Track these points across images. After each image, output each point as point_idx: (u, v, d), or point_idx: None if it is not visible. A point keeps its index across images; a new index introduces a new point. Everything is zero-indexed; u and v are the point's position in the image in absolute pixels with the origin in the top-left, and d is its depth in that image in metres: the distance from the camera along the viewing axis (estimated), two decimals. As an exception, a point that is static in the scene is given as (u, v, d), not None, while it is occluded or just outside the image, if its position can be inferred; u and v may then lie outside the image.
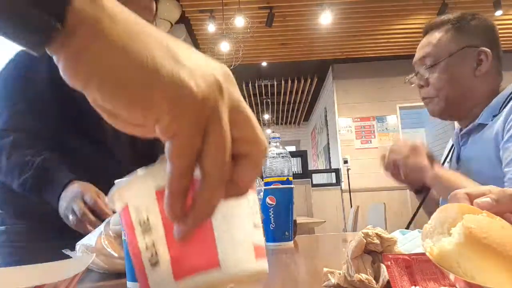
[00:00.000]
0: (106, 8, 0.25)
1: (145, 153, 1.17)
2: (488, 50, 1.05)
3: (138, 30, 0.26)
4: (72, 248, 0.74)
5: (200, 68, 0.28)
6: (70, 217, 0.89)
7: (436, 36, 1.12)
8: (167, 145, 0.27)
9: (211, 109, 0.27)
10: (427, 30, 1.16)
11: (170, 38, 0.28)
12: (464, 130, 1.11)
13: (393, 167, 1.04)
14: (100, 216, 0.88)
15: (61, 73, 0.25)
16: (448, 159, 1.22)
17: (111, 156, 1.13)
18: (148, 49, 0.25)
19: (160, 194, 0.30)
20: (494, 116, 1.01)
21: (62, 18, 0.23)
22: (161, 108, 0.25)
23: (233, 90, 0.29)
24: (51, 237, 0.97)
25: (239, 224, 0.32)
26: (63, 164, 1.00)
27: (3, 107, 1.06)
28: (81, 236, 0.77)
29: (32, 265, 0.44)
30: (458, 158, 1.13)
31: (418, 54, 1.16)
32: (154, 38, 0.26)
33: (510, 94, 1.02)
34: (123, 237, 0.59)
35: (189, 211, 0.28)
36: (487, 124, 1.03)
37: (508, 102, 1.00)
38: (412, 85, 1.19)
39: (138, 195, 0.32)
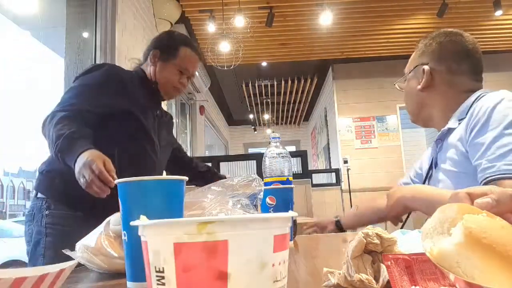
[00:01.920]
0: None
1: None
2: (426, 67, 1.19)
3: None
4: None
5: None
6: (81, 180, 1.09)
7: (412, 56, 1.30)
8: None
9: None
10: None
11: None
12: (437, 136, 1.20)
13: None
14: (105, 183, 1.07)
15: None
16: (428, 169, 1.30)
17: (146, 157, 1.45)
18: None
19: (177, 247, 0.31)
20: (461, 120, 1.09)
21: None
22: None
23: None
24: (91, 224, 1.05)
25: None
26: (89, 137, 1.21)
27: (81, 88, 1.35)
28: None
29: (27, 268, 0.44)
30: (436, 164, 1.20)
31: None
32: None
33: (475, 99, 1.09)
34: (123, 237, 0.59)
35: None
36: (455, 128, 1.11)
37: (472, 105, 1.08)
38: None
39: (157, 241, 0.32)
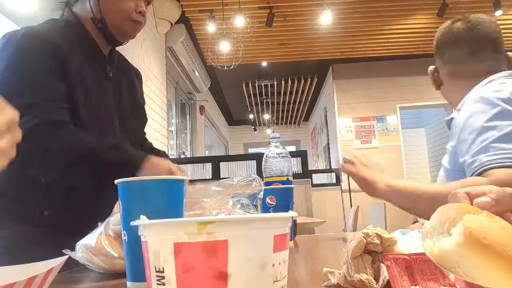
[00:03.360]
0: None
1: None
2: (430, 67, 1.21)
3: None
4: (72, 248, 0.74)
5: None
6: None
7: None
8: None
9: None
10: None
11: None
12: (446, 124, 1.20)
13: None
14: None
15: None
16: None
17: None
18: None
19: (177, 247, 0.31)
20: (459, 110, 1.08)
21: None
22: None
23: None
24: (44, 241, 1.00)
25: None
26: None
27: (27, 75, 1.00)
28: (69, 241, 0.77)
29: (9, 266, 0.44)
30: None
31: None
32: None
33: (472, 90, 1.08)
34: (123, 237, 0.59)
35: None
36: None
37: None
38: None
39: (157, 241, 0.32)
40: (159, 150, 1.33)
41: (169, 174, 0.96)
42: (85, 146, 1.00)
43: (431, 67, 1.22)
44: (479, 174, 0.88)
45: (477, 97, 0.99)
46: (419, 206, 0.96)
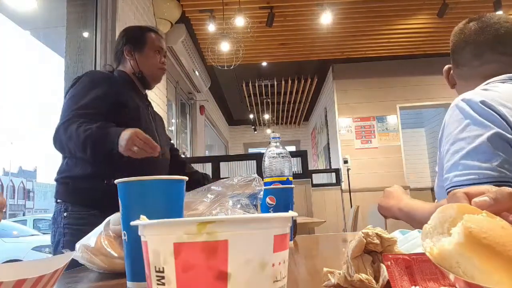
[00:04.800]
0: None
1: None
2: (445, 67, 1.18)
3: None
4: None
5: None
6: (134, 149, 1.26)
7: None
8: None
9: None
10: None
11: None
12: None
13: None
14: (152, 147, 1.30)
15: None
16: None
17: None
18: None
19: (177, 247, 0.31)
20: None
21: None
22: None
23: None
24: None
25: None
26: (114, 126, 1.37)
27: (76, 98, 1.46)
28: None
29: (17, 263, 0.46)
30: None
31: None
32: None
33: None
34: (123, 237, 0.59)
35: None
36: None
37: None
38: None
39: (157, 241, 0.32)
40: (203, 174, 1.83)
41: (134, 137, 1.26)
42: (78, 133, 1.33)
43: (446, 67, 1.18)
44: (448, 192, 0.88)
45: (454, 103, 0.96)
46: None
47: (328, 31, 4.96)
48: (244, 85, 7.36)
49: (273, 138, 1.09)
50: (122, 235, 0.59)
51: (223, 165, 4.47)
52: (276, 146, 1.08)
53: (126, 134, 1.28)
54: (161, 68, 1.69)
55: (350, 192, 5.80)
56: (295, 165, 4.71)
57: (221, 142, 9.60)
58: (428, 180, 7.72)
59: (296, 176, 3.88)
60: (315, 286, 0.53)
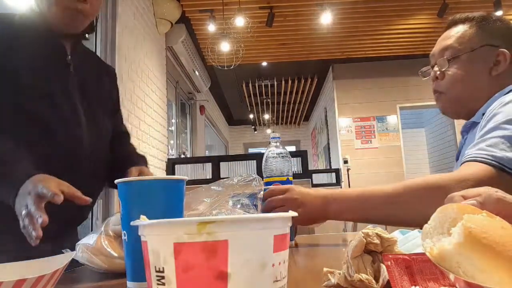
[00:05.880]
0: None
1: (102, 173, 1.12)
2: (507, 52, 1.05)
3: None
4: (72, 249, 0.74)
5: None
6: (23, 211, 0.73)
7: (459, 30, 1.12)
8: None
9: None
10: (450, 24, 1.16)
11: None
12: (462, 128, 1.12)
13: None
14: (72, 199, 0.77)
15: None
16: None
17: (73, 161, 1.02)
18: None
19: (177, 247, 0.31)
20: (483, 114, 1.00)
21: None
22: None
23: None
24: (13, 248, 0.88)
25: None
26: (23, 155, 0.87)
27: None
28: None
29: (15, 263, 0.47)
30: (458, 156, 1.13)
31: (438, 46, 1.14)
32: None
33: (503, 93, 1.01)
34: (123, 237, 0.59)
35: None
36: (478, 123, 1.02)
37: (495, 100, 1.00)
38: (424, 79, 1.20)
39: (157, 241, 0.32)
40: (138, 155, 1.23)
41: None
42: None
43: (508, 53, 1.10)
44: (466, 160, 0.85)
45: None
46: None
47: (328, 31, 4.97)
48: (244, 85, 7.36)
49: (273, 138, 1.09)
50: (122, 235, 0.59)
51: (223, 165, 4.47)
52: (276, 146, 1.08)
53: (34, 189, 0.75)
54: (75, 8, 1.05)
55: (350, 192, 5.79)
56: (295, 165, 4.71)
57: (221, 142, 9.60)
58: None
59: (296, 176, 3.88)
60: (315, 286, 0.53)
